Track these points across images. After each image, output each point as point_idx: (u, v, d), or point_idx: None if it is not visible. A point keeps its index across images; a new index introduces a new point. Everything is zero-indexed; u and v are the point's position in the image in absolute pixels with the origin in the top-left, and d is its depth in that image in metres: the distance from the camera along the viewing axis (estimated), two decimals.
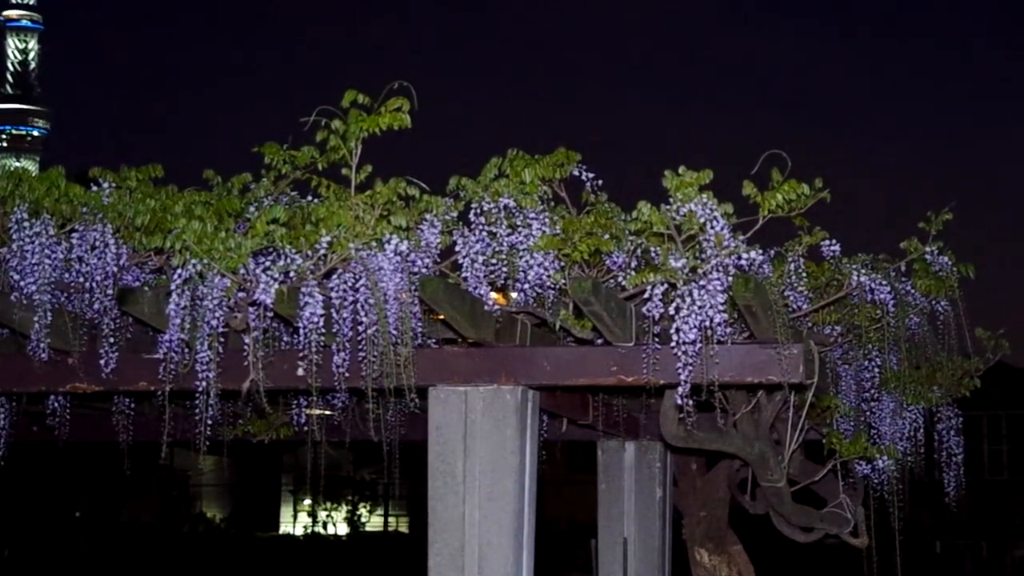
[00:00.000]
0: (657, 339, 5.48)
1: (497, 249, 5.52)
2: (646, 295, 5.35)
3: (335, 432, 7.51)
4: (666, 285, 5.33)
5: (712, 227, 5.34)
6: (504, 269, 5.54)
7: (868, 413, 6.87)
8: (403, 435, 6.26)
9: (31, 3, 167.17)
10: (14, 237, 5.51)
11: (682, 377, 5.37)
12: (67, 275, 5.56)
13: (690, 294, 5.27)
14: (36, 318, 5.51)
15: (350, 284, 5.32)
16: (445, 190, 5.67)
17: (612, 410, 7.79)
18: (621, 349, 5.69)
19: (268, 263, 5.32)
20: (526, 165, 5.65)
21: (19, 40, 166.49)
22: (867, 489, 7.36)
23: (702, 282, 5.28)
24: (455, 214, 5.60)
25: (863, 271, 6.09)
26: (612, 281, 5.66)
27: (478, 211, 5.56)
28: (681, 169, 5.45)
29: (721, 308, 5.28)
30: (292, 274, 5.32)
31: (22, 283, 5.49)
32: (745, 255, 5.38)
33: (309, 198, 5.64)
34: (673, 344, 5.31)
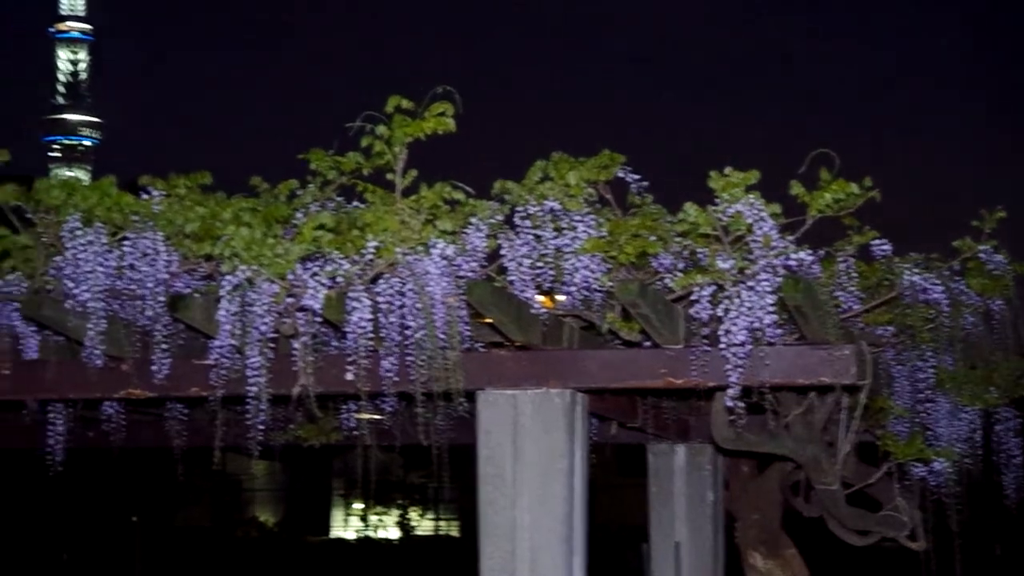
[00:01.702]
0: (706, 341, 5.46)
1: (543, 252, 5.52)
2: (694, 297, 5.34)
3: (385, 436, 7.52)
4: (714, 286, 5.32)
5: (760, 228, 5.32)
6: (550, 272, 5.53)
7: (923, 414, 6.80)
8: (452, 439, 6.25)
9: (81, 15, 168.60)
10: (68, 246, 5.56)
11: (732, 379, 5.35)
12: (120, 282, 5.61)
13: (738, 295, 5.26)
14: (90, 325, 5.56)
15: (397, 289, 5.34)
16: (490, 194, 5.67)
17: (661, 413, 7.77)
18: (670, 351, 5.67)
19: (316, 268, 5.36)
20: (571, 168, 5.64)
21: (69, 52, 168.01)
22: (924, 492, 7.29)
23: (750, 283, 5.26)
24: (501, 218, 5.61)
25: (915, 270, 6.04)
26: (659, 283, 5.65)
27: (523, 214, 5.56)
28: (727, 170, 5.44)
29: (770, 309, 5.26)
30: (340, 279, 5.35)
31: (76, 291, 5.54)
32: (794, 255, 5.36)
33: (355, 203, 5.66)
34: (722, 346, 5.30)
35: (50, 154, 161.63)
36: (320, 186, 5.76)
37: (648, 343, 5.74)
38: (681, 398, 7.60)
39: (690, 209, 5.46)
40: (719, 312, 5.28)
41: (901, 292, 6.09)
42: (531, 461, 5.80)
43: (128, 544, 31.12)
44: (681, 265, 5.58)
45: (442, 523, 45.37)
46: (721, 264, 5.29)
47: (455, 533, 43.25)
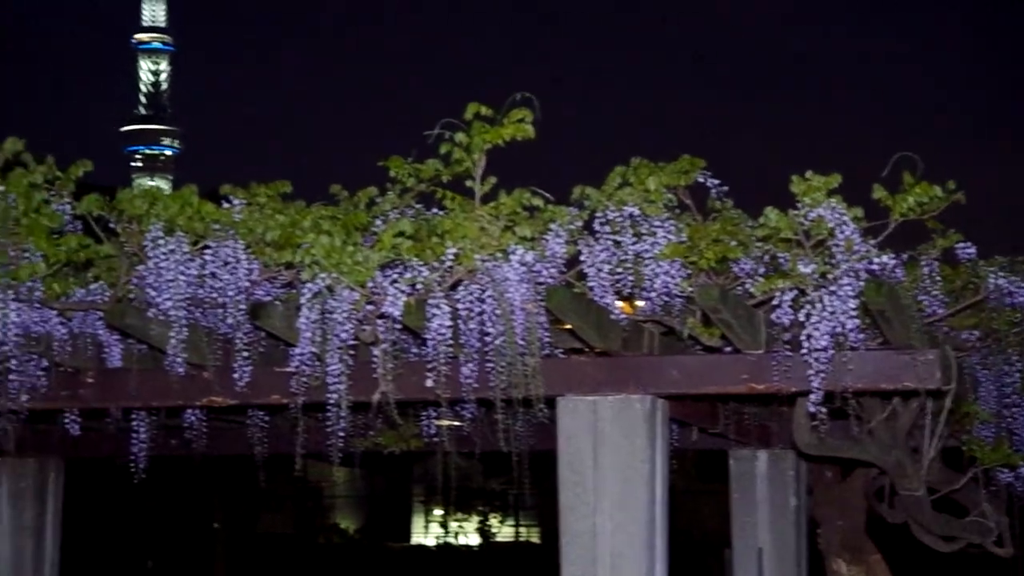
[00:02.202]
0: (788, 346, 5.42)
1: (622, 258, 5.50)
2: (775, 302, 5.31)
3: (465, 443, 7.53)
4: (795, 291, 5.28)
5: (842, 231, 5.28)
6: (630, 278, 5.51)
7: (1009, 419, 6.71)
8: (532, 445, 6.25)
9: (162, 26, 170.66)
10: (150, 255, 5.61)
11: (814, 384, 5.31)
12: (201, 291, 5.65)
13: (820, 300, 5.21)
14: (172, 333, 5.61)
15: (477, 295, 5.35)
16: (569, 200, 5.66)
17: (743, 418, 7.72)
18: (751, 357, 5.63)
19: (396, 275, 5.37)
20: (650, 173, 5.62)
21: (150, 62, 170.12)
22: (1010, 497, 7.19)
23: (832, 288, 5.22)
24: (580, 224, 5.59)
25: (1001, 273, 5.96)
26: (740, 288, 5.61)
27: (603, 220, 5.55)
28: (808, 173, 5.40)
29: (853, 314, 5.21)
30: (419, 286, 5.36)
31: (158, 299, 5.60)
32: (877, 259, 5.31)
33: (434, 210, 5.67)
34: (804, 351, 5.25)
35: (132, 164, 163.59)
36: (399, 193, 5.78)
37: (729, 348, 5.70)
38: (763, 403, 7.54)
39: (771, 213, 5.43)
40: (801, 317, 5.24)
41: (987, 295, 6.01)
42: (611, 467, 5.78)
43: (210, 551, 31.41)
44: (762, 270, 5.54)
45: (523, 529, 45.36)
46: (803, 268, 5.26)
47: (536, 539, 43.20)
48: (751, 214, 5.61)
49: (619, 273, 5.51)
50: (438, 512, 44.96)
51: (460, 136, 5.54)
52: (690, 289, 5.46)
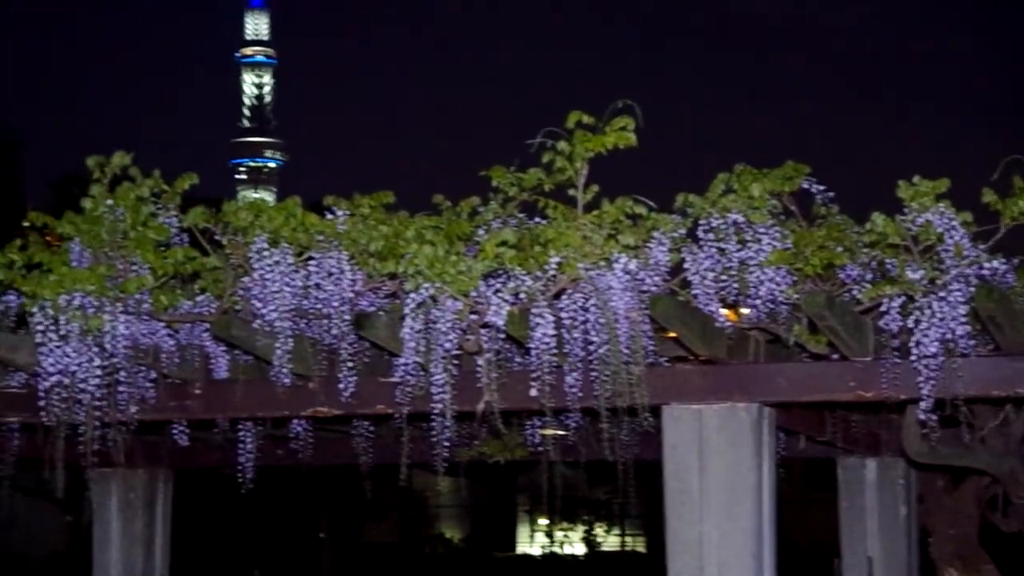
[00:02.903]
0: (896, 353, 5.34)
1: (727, 265, 5.46)
2: (883, 308, 5.24)
3: (569, 452, 7.51)
4: (903, 297, 5.21)
5: (951, 236, 5.20)
6: (735, 285, 5.47)
7: None
8: (637, 454, 6.21)
9: (265, 39, 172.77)
10: (255, 266, 5.66)
11: (924, 392, 5.23)
12: (306, 302, 5.69)
13: (930, 306, 5.14)
14: (278, 344, 5.65)
15: (580, 304, 5.34)
16: (672, 207, 5.63)
17: (851, 426, 7.63)
18: (859, 364, 5.56)
19: (499, 285, 5.37)
20: (754, 180, 5.57)
21: (254, 75, 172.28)
22: None
23: (942, 293, 5.14)
24: (683, 231, 5.56)
25: None
26: (846, 294, 5.54)
27: (707, 227, 5.51)
28: (916, 178, 5.32)
29: (963, 320, 5.13)
30: (522, 295, 5.36)
31: (264, 311, 5.65)
32: (987, 264, 5.22)
33: (537, 220, 5.67)
34: (913, 358, 5.18)
35: (236, 177, 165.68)
36: (502, 203, 5.78)
37: (836, 356, 5.63)
38: (871, 411, 7.44)
39: (878, 219, 5.36)
40: (909, 323, 5.17)
41: None
42: (718, 476, 5.73)
43: (316, 560, 31.67)
44: (869, 276, 5.47)
45: (628, 539, 45.23)
46: (911, 275, 5.18)
47: (641, 549, 43.04)
48: (857, 220, 5.55)
49: (724, 280, 5.47)
50: (543, 521, 44.95)
51: (562, 145, 5.53)
52: (796, 296, 5.40)
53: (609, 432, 5.66)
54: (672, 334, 5.57)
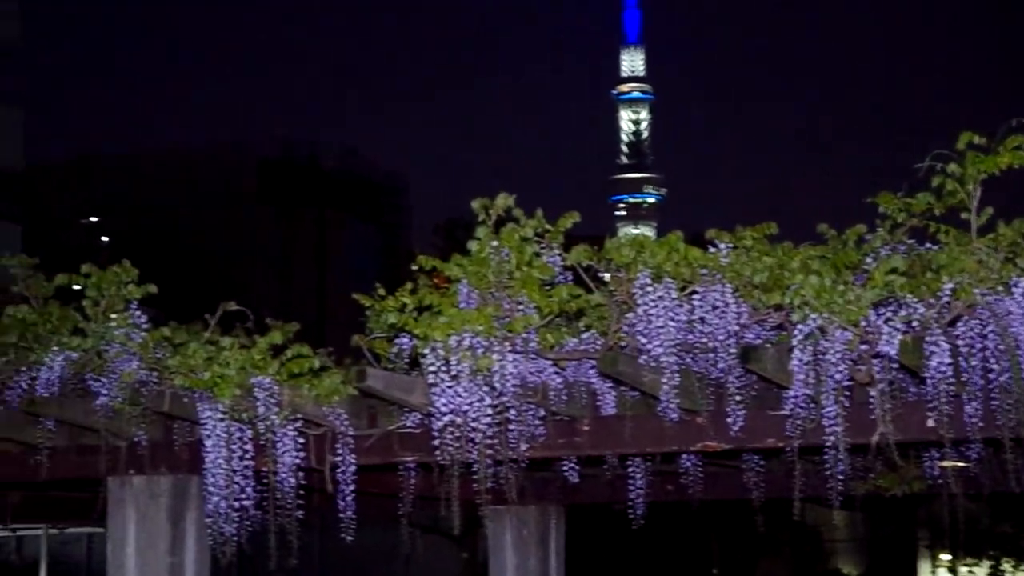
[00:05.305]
0: None
1: None
2: None
3: (971, 484, 7.20)
4: None
5: None
6: None
7: None
8: None
9: (641, 75, 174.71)
10: (639, 302, 5.66)
11: None
12: (691, 336, 5.65)
13: None
14: (664, 379, 5.63)
15: (978, 331, 5.12)
16: None
17: None
18: None
19: (889, 314, 5.21)
20: None
21: (631, 111, 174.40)
22: None
23: None
24: None
25: None
26: None
27: None
28: None
29: None
30: (915, 323, 5.17)
31: (649, 346, 5.63)
32: None
33: (927, 245, 5.47)
34: None
35: (616, 213, 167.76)
36: (889, 229, 5.62)
37: None
38: None
39: None
40: None
41: None
42: None
43: None
44: None
45: None
46: None
47: None
48: None
49: None
50: (945, 557, 43.39)
51: (953, 167, 5.34)
52: None
53: (1014, 463, 5.38)
54: None
